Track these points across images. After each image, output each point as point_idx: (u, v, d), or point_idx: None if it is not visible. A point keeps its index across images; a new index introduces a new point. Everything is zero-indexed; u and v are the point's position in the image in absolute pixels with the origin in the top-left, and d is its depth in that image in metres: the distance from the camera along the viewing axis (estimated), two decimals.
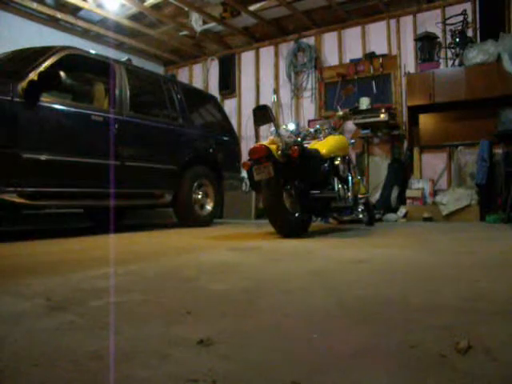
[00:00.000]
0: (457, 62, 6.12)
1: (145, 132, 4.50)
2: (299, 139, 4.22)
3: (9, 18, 6.30)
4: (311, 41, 7.70)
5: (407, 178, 6.49)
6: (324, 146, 4.09)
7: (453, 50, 6.20)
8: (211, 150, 5.32)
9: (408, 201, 6.13)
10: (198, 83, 8.71)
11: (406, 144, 6.72)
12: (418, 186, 6.22)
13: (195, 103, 5.52)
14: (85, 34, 7.42)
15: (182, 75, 9.08)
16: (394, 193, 6.37)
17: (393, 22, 6.95)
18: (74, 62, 3.96)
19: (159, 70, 8.82)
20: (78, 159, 3.75)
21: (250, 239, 3.61)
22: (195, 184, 4.96)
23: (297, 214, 3.66)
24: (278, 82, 8.00)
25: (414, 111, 6.37)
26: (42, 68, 3.50)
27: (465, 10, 6.15)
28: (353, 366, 0.88)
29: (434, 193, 6.16)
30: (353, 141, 5.34)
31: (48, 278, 1.83)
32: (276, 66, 8.05)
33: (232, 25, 7.55)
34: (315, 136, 4.47)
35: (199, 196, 5.05)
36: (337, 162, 4.15)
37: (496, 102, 5.58)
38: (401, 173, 6.51)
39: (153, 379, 0.82)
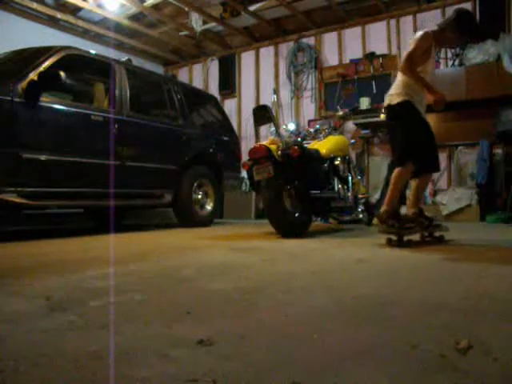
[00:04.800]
0: (457, 62, 6.12)
1: (145, 132, 4.49)
2: (299, 139, 4.23)
3: (9, 18, 6.29)
4: (311, 41, 7.69)
5: None
6: (324, 146, 4.10)
7: (453, 50, 6.19)
8: (211, 150, 5.32)
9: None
10: (198, 83, 8.71)
11: None
12: None
13: (195, 103, 5.51)
14: (85, 34, 7.42)
15: (182, 75, 9.08)
16: None
17: (393, 22, 6.95)
18: (74, 61, 3.96)
19: (159, 70, 8.81)
20: (78, 159, 3.75)
21: (250, 239, 3.61)
22: (195, 184, 4.95)
23: (297, 214, 3.66)
24: (278, 81, 7.99)
25: None
26: (41, 68, 3.50)
27: None
28: (353, 366, 0.88)
29: (434, 193, 6.15)
30: (353, 141, 5.35)
31: (48, 278, 1.83)
32: (276, 65, 8.05)
33: (232, 25, 7.55)
34: (315, 136, 4.48)
35: (199, 196, 5.04)
36: (337, 162, 4.15)
37: (496, 102, 5.57)
38: None
39: (153, 379, 0.82)
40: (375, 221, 3.26)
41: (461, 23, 3.10)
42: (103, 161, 3.93)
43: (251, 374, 0.84)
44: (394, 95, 3.11)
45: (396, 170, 3.09)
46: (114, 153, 3.99)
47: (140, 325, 1.16)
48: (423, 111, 3.17)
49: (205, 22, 7.35)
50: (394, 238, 2.95)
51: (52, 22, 6.87)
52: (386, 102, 3.18)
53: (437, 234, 3.22)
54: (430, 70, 3.17)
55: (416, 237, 3.17)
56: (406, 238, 2.98)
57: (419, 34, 3.11)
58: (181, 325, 1.16)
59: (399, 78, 3.16)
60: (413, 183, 3.32)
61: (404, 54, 3.10)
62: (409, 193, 3.51)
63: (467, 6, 6.28)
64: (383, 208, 3.07)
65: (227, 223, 5.85)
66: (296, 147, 3.49)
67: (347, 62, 7.30)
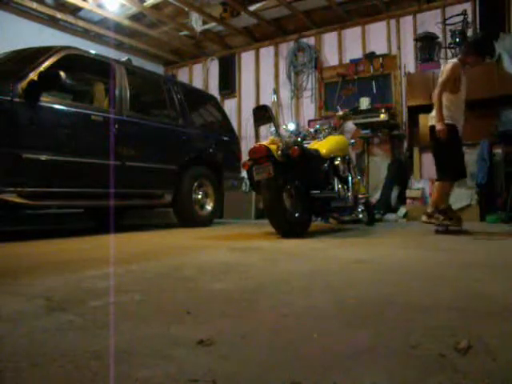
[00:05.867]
0: None
1: (145, 132, 4.49)
2: (299, 139, 4.22)
3: (9, 17, 6.29)
4: (311, 41, 7.70)
5: (407, 178, 6.48)
6: (324, 146, 4.09)
7: (453, 50, 6.19)
8: (211, 150, 5.32)
9: (408, 201, 6.12)
10: (198, 83, 8.71)
11: (405, 144, 6.72)
12: (418, 186, 6.21)
13: (195, 103, 5.51)
14: (85, 33, 7.42)
15: (182, 75, 9.08)
16: (394, 193, 6.36)
17: (393, 22, 6.95)
18: (74, 62, 3.96)
19: (159, 70, 8.81)
20: (78, 159, 3.75)
21: (250, 239, 3.61)
22: (195, 184, 4.95)
23: (297, 214, 3.66)
24: (278, 81, 7.99)
25: (414, 111, 6.37)
26: (41, 68, 3.50)
27: (465, 10, 6.15)
28: (353, 366, 0.88)
29: None
30: (353, 141, 5.34)
31: (48, 278, 1.83)
32: (276, 65, 8.05)
33: (232, 25, 7.55)
34: (315, 136, 4.47)
35: (199, 196, 5.04)
36: (337, 162, 4.15)
37: (496, 102, 5.57)
38: (401, 173, 6.51)
39: (153, 379, 0.82)
40: (423, 218, 3.91)
41: (480, 48, 3.77)
42: (103, 161, 3.93)
43: (251, 374, 0.84)
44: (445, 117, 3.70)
45: (440, 183, 3.85)
46: (114, 153, 3.99)
47: (140, 325, 1.16)
48: (461, 130, 3.87)
49: (205, 22, 7.35)
50: (440, 229, 3.87)
51: (52, 21, 6.87)
52: (431, 123, 3.79)
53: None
54: (462, 97, 3.84)
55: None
56: (451, 228, 3.90)
57: (449, 65, 3.75)
58: (181, 325, 1.16)
59: (444, 102, 3.73)
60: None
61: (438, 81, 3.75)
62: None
63: (467, 6, 6.30)
64: (430, 209, 3.87)
65: (227, 223, 5.85)
66: (296, 147, 3.49)
67: (347, 62, 7.30)
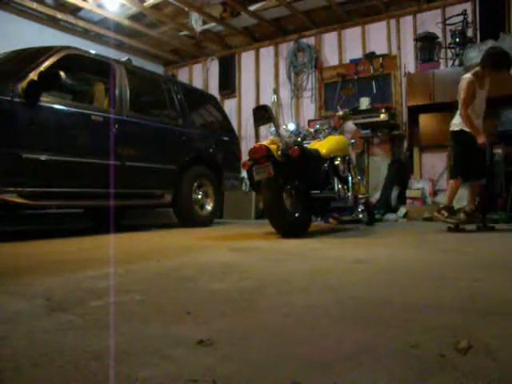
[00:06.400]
0: (457, 62, 6.12)
1: (145, 132, 4.49)
2: (299, 139, 4.22)
3: (8, 17, 6.29)
4: (311, 41, 7.70)
5: (407, 178, 6.48)
6: (324, 146, 4.09)
7: (453, 50, 6.19)
8: (211, 150, 5.32)
9: (408, 201, 6.12)
10: (198, 83, 8.71)
11: (405, 144, 6.72)
12: (418, 186, 6.21)
13: (195, 103, 5.51)
14: (85, 34, 7.42)
15: (182, 75, 9.08)
16: (394, 193, 6.36)
17: (393, 22, 6.95)
18: (74, 61, 3.96)
19: (159, 70, 8.81)
20: (78, 159, 3.75)
21: (250, 239, 3.61)
22: (195, 184, 4.95)
23: (297, 214, 3.66)
24: (278, 81, 7.99)
25: (414, 111, 6.37)
26: (42, 68, 3.50)
27: (465, 10, 6.14)
28: (353, 365, 0.88)
29: (434, 193, 6.15)
30: (353, 141, 5.34)
31: (48, 278, 1.83)
32: (276, 66, 8.05)
33: (232, 25, 7.55)
34: (315, 136, 4.47)
35: (199, 196, 5.04)
36: (337, 162, 4.15)
37: (496, 101, 5.56)
38: (401, 173, 6.51)
39: (153, 379, 0.82)
40: (435, 213, 4.24)
41: (497, 62, 3.93)
42: (103, 161, 3.93)
43: (251, 374, 0.84)
44: (457, 124, 4.09)
45: (453, 182, 4.26)
46: (114, 153, 3.99)
47: (140, 325, 1.16)
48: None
49: (205, 22, 7.35)
50: (452, 226, 4.09)
51: (52, 21, 6.87)
52: (450, 128, 4.19)
53: (490, 224, 4.32)
54: (481, 104, 4.07)
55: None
56: (461, 226, 4.10)
57: (464, 82, 3.98)
58: (181, 325, 1.16)
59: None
60: (469, 187, 4.38)
61: (460, 96, 4.02)
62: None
63: (467, 6, 6.29)
64: (443, 205, 4.25)
65: (227, 223, 5.85)
66: (296, 147, 3.48)
67: (347, 62, 7.30)
